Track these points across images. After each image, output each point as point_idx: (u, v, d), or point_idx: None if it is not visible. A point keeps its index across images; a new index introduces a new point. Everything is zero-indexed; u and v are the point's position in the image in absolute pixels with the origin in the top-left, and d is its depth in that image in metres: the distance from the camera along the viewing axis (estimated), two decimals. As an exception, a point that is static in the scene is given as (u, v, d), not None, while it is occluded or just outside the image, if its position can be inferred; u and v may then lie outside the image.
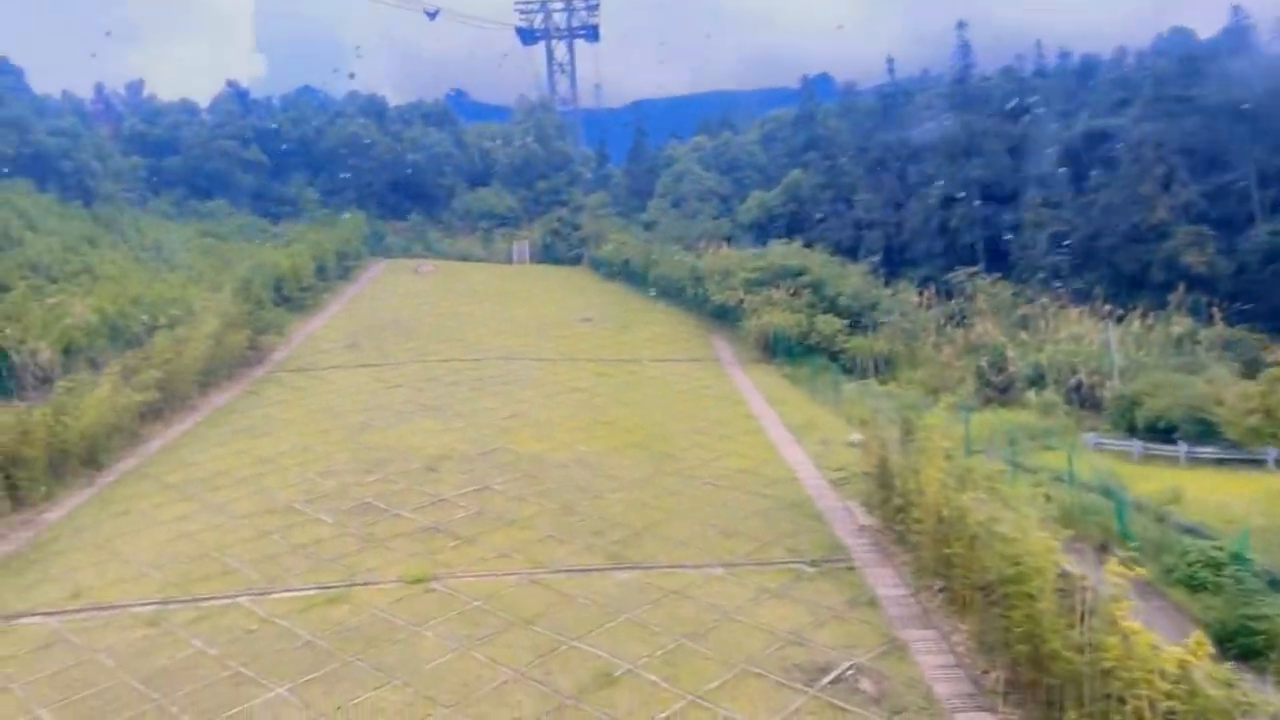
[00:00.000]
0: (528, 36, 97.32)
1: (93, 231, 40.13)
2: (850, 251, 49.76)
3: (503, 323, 41.42)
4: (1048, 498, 16.41)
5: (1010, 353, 33.78)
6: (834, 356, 33.55)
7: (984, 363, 33.14)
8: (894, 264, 46.99)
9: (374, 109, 68.25)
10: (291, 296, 40.91)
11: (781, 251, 40.61)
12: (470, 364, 33.84)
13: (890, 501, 16.98)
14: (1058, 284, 42.07)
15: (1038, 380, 32.91)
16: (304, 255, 43.92)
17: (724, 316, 40.59)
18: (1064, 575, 10.22)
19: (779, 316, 34.53)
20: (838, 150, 56.94)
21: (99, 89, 59.06)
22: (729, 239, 57.84)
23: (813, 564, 15.94)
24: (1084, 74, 61.48)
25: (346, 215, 57.44)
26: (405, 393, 29.95)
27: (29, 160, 44.12)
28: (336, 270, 47.94)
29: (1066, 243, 42.94)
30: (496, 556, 16.35)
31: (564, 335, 39.26)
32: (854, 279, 37.45)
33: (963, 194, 45.00)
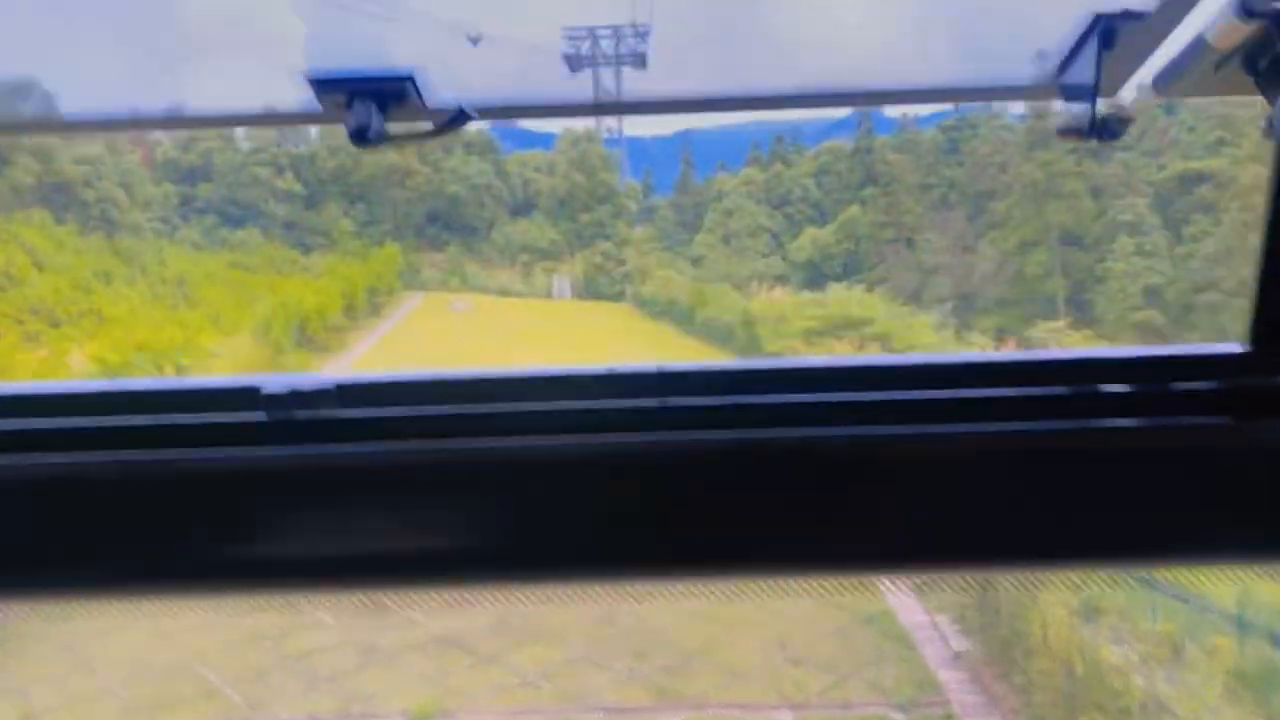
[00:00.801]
0: (575, 63, 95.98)
1: (110, 266, 38.79)
2: (913, 297, 46.91)
3: (541, 353, 39.19)
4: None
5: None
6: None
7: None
8: (964, 312, 44.25)
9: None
10: (315, 337, 39.10)
11: (841, 297, 38.13)
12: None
13: (996, 627, 14.26)
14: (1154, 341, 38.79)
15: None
16: (332, 292, 42.19)
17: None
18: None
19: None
20: (899, 186, 54.25)
21: (134, 112, 58.23)
22: (782, 279, 55.35)
23: (902, 709, 13.28)
24: (1171, 108, 58.35)
25: (381, 247, 55.91)
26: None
27: (50, 190, 43.27)
28: (367, 307, 46.20)
29: (1162, 296, 39.87)
30: (520, 685, 13.89)
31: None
32: (925, 331, 34.81)
33: (1042, 238, 42.04)
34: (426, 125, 1.52)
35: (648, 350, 46.38)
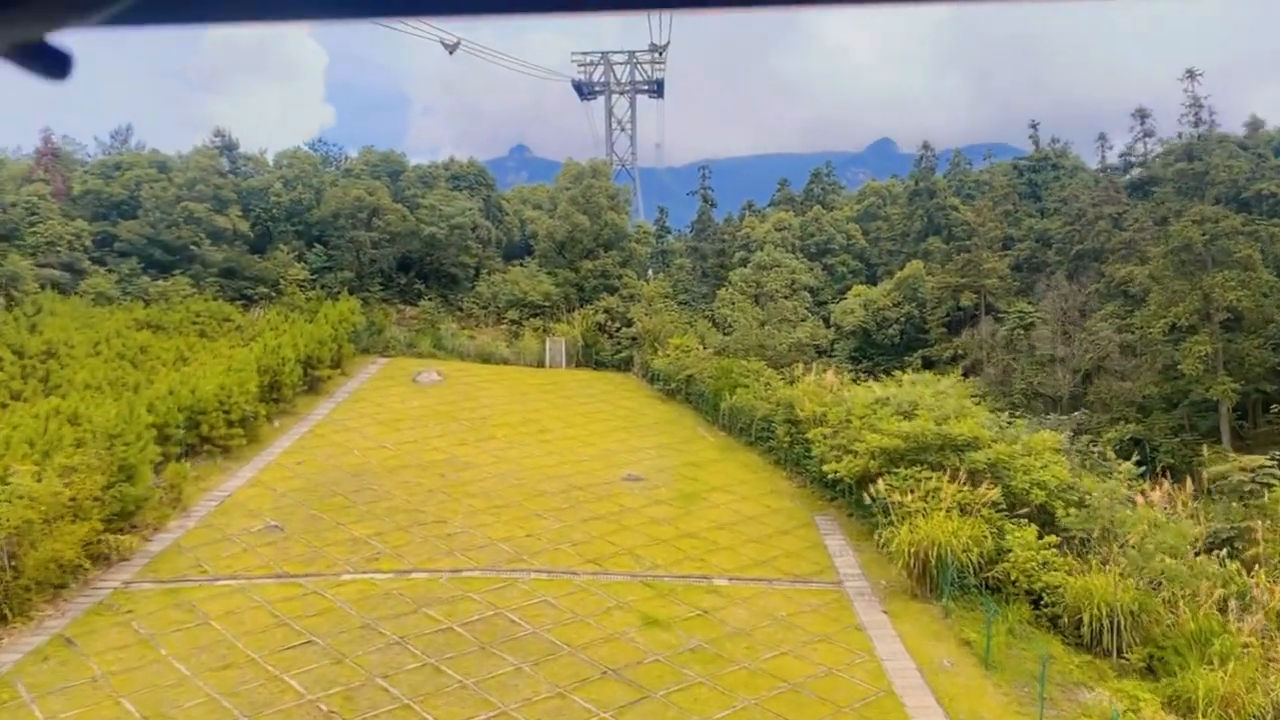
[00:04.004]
0: (585, 90, 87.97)
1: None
2: (1000, 386, 37.04)
3: (512, 482, 29.38)
4: None
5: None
6: (1038, 601, 20.90)
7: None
8: (1079, 411, 33.57)
9: (389, 168, 57.95)
10: (214, 436, 29.45)
11: (918, 395, 28.07)
12: (443, 582, 21.79)
13: None
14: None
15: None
16: (248, 369, 32.60)
17: (836, 483, 28.13)
18: None
19: (941, 526, 22.04)
20: (974, 237, 44.43)
21: (45, 135, 49.16)
22: (826, 352, 45.56)
23: None
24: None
25: (336, 301, 46.48)
26: (316, 654, 18.04)
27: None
28: (300, 382, 36.56)
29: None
30: None
31: (599, 513, 27.06)
32: (1053, 459, 24.70)
33: (1195, 320, 31.34)
34: None
35: (659, 441, 36.54)
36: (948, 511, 22.53)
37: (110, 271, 45.52)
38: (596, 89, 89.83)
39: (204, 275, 46.99)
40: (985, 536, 21.90)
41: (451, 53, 59.57)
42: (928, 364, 43.12)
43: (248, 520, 25.61)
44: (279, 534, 24.70)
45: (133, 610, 20.25)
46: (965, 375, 36.41)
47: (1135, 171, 53.08)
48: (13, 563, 19.37)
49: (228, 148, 54.55)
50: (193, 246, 47.45)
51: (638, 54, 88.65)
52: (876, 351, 46.27)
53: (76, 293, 42.54)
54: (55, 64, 0.80)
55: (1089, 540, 22.73)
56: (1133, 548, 21.41)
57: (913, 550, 21.86)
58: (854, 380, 39.28)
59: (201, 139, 54.77)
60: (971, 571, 21.68)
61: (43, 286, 41.06)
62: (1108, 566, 21.32)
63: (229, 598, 20.95)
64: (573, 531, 25.40)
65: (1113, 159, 59.95)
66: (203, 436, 29.31)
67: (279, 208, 52.32)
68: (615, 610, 20.68)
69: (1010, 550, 21.60)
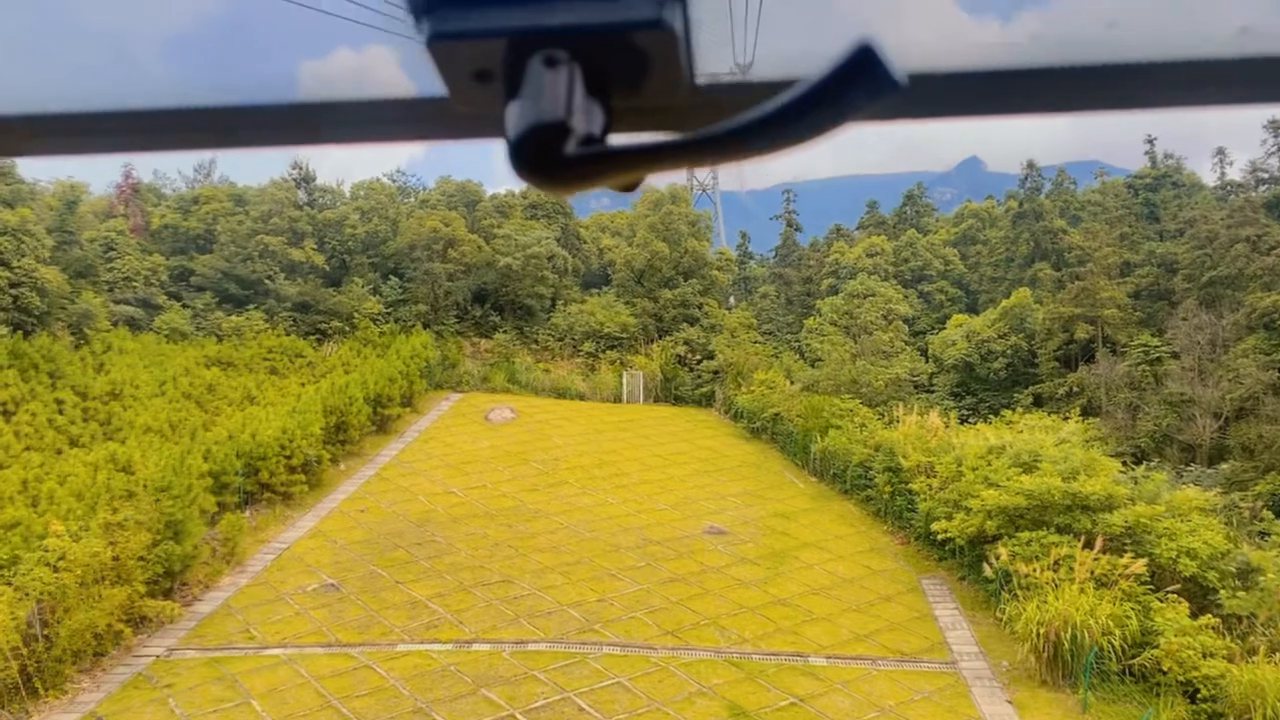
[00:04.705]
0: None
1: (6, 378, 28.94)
2: (1124, 430, 33.49)
3: (585, 535, 27.32)
4: None
5: None
6: (1194, 694, 17.81)
7: None
8: (1226, 463, 29.67)
9: (465, 198, 57.09)
10: (274, 483, 28.15)
11: (1038, 445, 25.03)
12: (506, 657, 19.74)
13: None
14: None
15: None
16: (312, 410, 31.35)
17: (945, 542, 25.25)
18: None
19: (1076, 602, 19.09)
20: (1088, 263, 40.84)
21: (126, 170, 49.74)
22: (925, 388, 42.56)
23: None
24: None
25: (409, 335, 45.42)
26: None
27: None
28: (369, 422, 35.26)
29: None
30: None
31: (678, 573, 24.75)
32: (1202, 521, 21.42)
33: None
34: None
35: (743, 489, 34.12)
36: (1081, 584, 19.56)
37: (185, 307, 45.29)
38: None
39: (278, 310, 46.43)
40: (1128, 616, 18.87)
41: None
42: (1038, 402, 39.71)
43: (304, 577, 24.06)
44: (335, 594, 23.05)
45: (172, 685, 18.71)
46: (1084, 415, 33.01)
47: (1263, 189, 48.70)
48: (45, 632, 18.02)
49: (305, 180, 54.27)
50: (267, 280, 47.00)
51: (719, 76, 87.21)
52: (981, 387, 42.97)
53: (150, 329, 42.26)
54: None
55: (1254, 620, 19.48)
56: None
57: (1042, 630, 18.96)
58: (960, 421, 36.27)
59: (279, 171, 54.66)
60: (1113, 656, 18.66)
61: (116, 323, 40.86)
62: (1281, 656, 18.10)
63: (275, 671, 19.27)
64: (650, 595, 23.14)
65: (1234, 175, 55.57)
66: (262, 483, 28.03)
67: (355, 240, 51.74)
68: (697, 697, 18.31)
69: (1160, 633, 18.52)
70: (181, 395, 33.95)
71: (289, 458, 28.90)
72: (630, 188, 0.81)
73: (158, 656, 20.07)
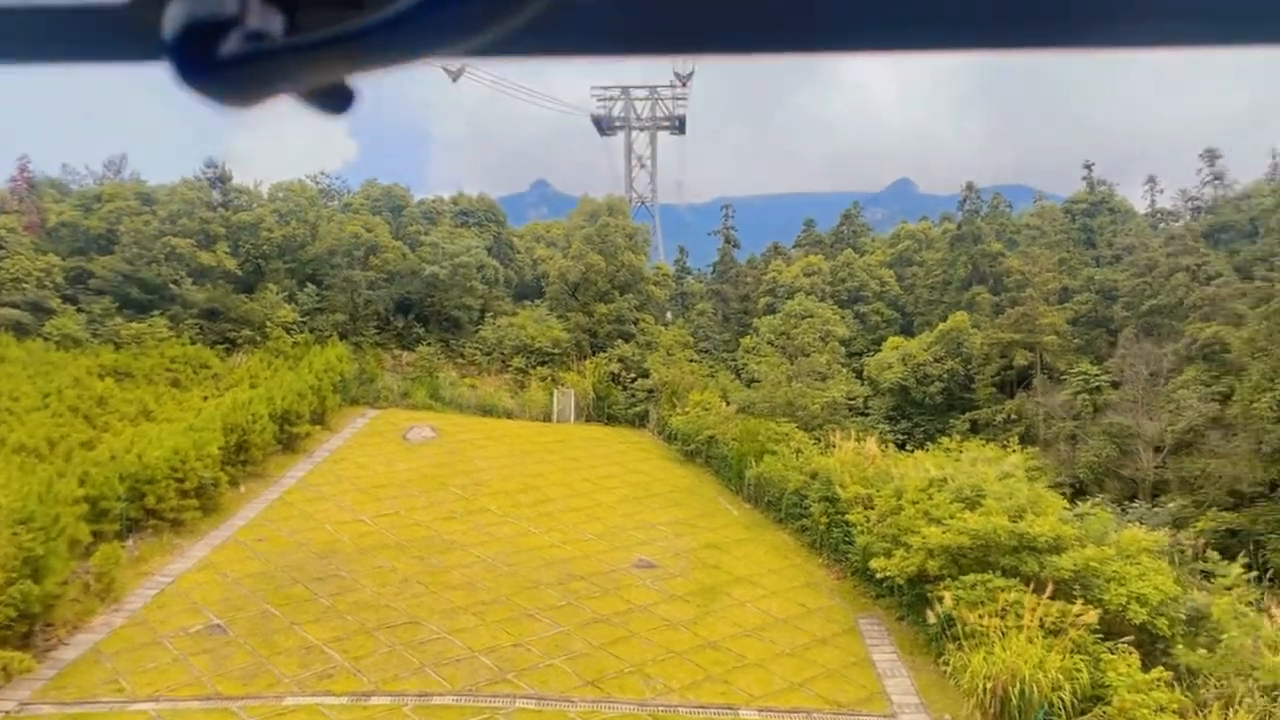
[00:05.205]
0: (605, 126, 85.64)
1: None
2: (1063, 461, 32.78)
3: (503, 570, 25.52)
4: None
5: None
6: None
7: None
8: (1173, 501, 28.75)
9: (391, 202, 54.79)
10: (162, 509, 25.77)
11: (982, 478, 23.97)
12: (407, 713, 17.86)
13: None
14: None
15: None
16: (210, 428, 29.00)
17: (885, 579, 23.99)
18: None
19: (1024, 653, 17.93)
20: (1028, 288, 40.31)
21: (21, 164, 46.23)
22: (861, 411, 41.64)
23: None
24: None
25: (324, 346, 43.01)
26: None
27: None
28: (274, 441, 32.91)
29: None
30: None
31: (602, 612, 23.11)
32: (1151, 564, 20.48)
33: None
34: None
35: (675, 517, 32.64)
36: (1029, 634, 18.45)
37: (81, 311, 42.20)
38: (616, 124, 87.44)
39: (184, 316, 43.64)
40: (1079, 668, 17.79)
41: (455, 80, 56.67)
42: (975, 428, 39.03)
43: (187, 617, 21.83)
44: (220, 637, 20.88)
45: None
46: (1022, 443, 32.28)
47: (1197, 217, 49.08)
48: None
49: (220, 179, 51.44)
50: (173, 285, 44.17)
51: (659, 89, 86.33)
52: (916, 411, 42.23)
53: (40, 335, 39.21)
54: (343, 99, 0.77)
55: (1202, 672, 18.56)
56: (1271, 691, 17.24)
57: (989, 684, 17.77)
58: (897, 446, 35.32)
59: (192, 169, 51.72)
60: (1063, 712, 17.55)
61: (2, 328, 37.81)
62: (1234, 712, 17.17)
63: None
64: (570, 639, 21.44)
65: (1164, 202, 56.12)
66: (149, 509, 25.63)
67: (270, 244, 49.07)
68: (617, 761, 16.69)
69: (1112, 686, 17.46)
70: (67, 409, 31.23)
71: (181, 480, 26.56)
72: (331, 102, 0.75)
73: (7, 713, 17.74)
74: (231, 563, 25.06)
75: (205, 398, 36.75)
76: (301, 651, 20.22)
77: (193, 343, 42.20)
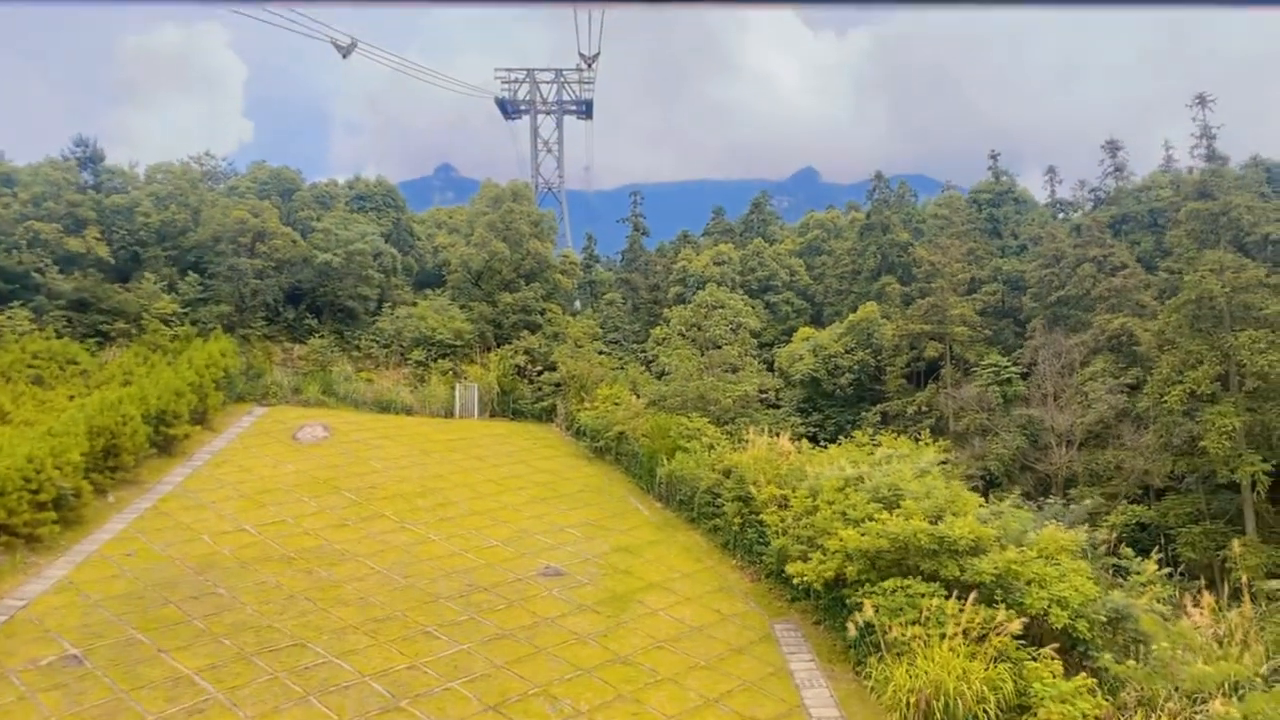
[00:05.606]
0: (510, 109, 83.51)
1: None
2: (973, 452, 32.71)
3: (399, 582, 23.89)
4: None
5: None
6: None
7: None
8: (1088, 498, 28.58)
9: (280, 186, 51.88)
10: (13, 524, 23.30)
11: (899, 477, 23.42)
12: (286, 756, 16.21)
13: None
14: None
15: None
16: (73, 432, 26.47)
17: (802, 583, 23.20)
18: None
19: (948, 664, 17.33)
20: (938, 278, 40.28)
21: None
22: (773, 404, 41.06)
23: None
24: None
25: (208, 338, 40.27)
26: None
27: None
28: (148, 445, 30.41)
29: None
30: None
31: (506, 627, 21.74)
32: (1071, 565, 20.18)
33: (1216, 387, 26.45)
34: None
35: (583, 518, 31.46)
36: (952, 643, 17.83)
37: (-72, 304, 38.52)
38: (522, 108, 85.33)
39: (49, 308, 40.26)
40: (1003, 678, 17.24)
41: (345, 55, 53.92)
42: (886, 420, 38.85)
43: (39, 647, 19.60)
44: (76, 669, 18.77)
45: None
46: (933, 435, 32.08)
47: (1098, 208, 50.02)
48: None
49: (90, 159, 47.81)
50: (36, 274, 40.71)
51: (564, 72, 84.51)
52: (827, 403, 41.90)
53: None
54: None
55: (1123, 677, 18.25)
56: (1187, 690, 16.98)
57: (912, 699, 17.06)
58: (809, 439, 34.76)
59: (59, 148, 47.89)
60: (993, 723, 16.95)
61: None
62: (1157, 717, 16.85)
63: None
64: (471, 659, 20.02)
65: (1063, 193, 57.19)
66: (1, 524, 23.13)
67: (148, 230, 45.84)
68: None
69: (1035, 695, 16.95)
70: (-96, 413, 28.19)
71: (36, 491, 24.08)
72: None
73: None
74: (94, 582, 22.80)
75: (71, 397, 33.90)
76: (169, 684, 18.29)
77: (59, 336, 38.98)
